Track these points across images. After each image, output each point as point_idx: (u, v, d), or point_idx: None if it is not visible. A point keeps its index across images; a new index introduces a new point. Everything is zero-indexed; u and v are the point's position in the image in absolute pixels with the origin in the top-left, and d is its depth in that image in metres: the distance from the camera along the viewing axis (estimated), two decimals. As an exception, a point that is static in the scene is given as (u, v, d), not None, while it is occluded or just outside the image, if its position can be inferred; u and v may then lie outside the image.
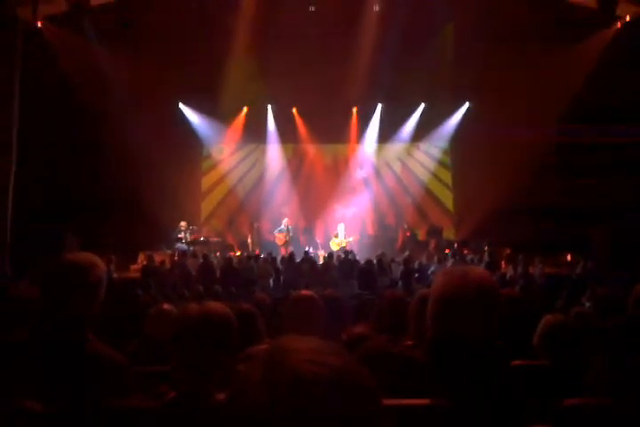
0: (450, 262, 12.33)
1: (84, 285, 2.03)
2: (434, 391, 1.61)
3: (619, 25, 14.12)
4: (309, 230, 16.90)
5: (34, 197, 13.58)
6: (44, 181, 14.13)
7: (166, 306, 3.94)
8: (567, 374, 2.48)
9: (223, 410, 0.85)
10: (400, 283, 11.46)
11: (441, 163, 18.24)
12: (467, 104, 17.02)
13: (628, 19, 13.95)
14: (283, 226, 15.71)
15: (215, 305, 1.86)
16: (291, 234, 15.72)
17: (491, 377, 1.61)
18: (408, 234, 16.51)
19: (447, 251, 14.26)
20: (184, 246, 14.26)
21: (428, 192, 18.07)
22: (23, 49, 12.62)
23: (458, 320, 1.63)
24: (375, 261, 12.40)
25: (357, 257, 13.30)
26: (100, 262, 2.13)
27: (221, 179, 17.97)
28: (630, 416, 1.73)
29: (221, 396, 1.69)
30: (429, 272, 12.03)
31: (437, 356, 1.68)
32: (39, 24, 13.34)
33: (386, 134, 17.66)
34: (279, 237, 15.70)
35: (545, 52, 14.08)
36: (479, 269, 1.78)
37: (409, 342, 3.24)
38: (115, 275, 11.51)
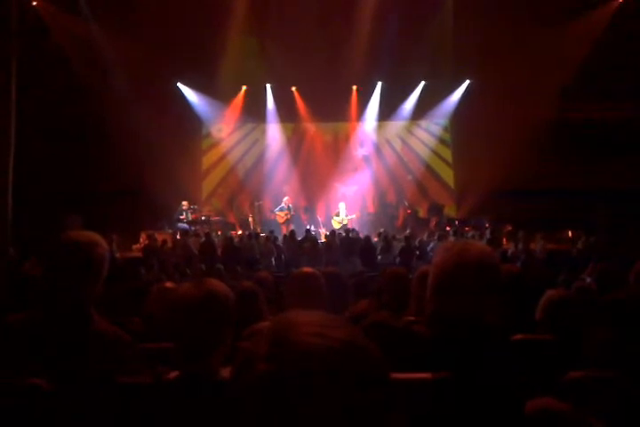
0: (451, 239, 12.36)
1: (86, 263, 2.03)
2: (435, 366, 1.61)
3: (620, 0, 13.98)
4: (310, 209, 16.92)
5: (35, 178, 13.56)
6: (44, 163, 14.07)
7: (169, 284, 3.95)
8: (570, 347, 2.49)
9: (229, 386, 0.84)
10: (399, 260, 11.51)
11: (441, 140, 18.19)
12: (467, 81, 16.90)
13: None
14: (283, 204, 15.74)
15: (212, 282, 1.85)
16: (292, 212, 15.75)
17: (491, 351, 1.61)
18: (409, 211, 16.52)
19: (448, 228, 14.27)
20: (185, 226, 14.27)
21: (429, 169, 18.04)
22: (18, 28, 12.48)
23: (458, 294, 1.63)
24: (380, 239, 12.47)
25: (359, 235, 13.32)
26: (102, 241, 2.13)
27: (222, 158, 17.95)
28: (633, 388, 1.74)
29: (226, 372, 1.70)
30: (429, 249, 12.06)
31: (438, 330, 1.68)
32: (34, 3, 13.18)
33: (386, 112, 17.59)
34: (280, 216, 15.73)
35: (547, 27, 13.91)
36: (479, 244, 1.77)
37: (410, 318, 3.26)
38: (117, 254, 11.55)
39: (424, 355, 1.65)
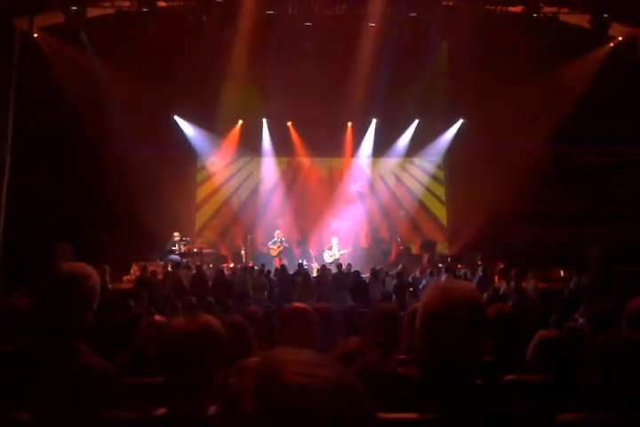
0: (443, 276, 12.33)
1: (78, 296, 2.02)
2: (423, 407, 1.60)
3: (611, 45, 14.31)
4: (303, 243, 16.91)
5: (27, 207, 13.51)
6: (37, 192, 14.05)
7: (158, 317, 3.91)
8: (561, 389, 2.48)
9: (215, 423, 0.84)
10: (394, 297, 11.44)
11: (435, 177, 18.33)
12: (460, 120, 17.14)
13: (620, 39, 14.18)
14: (275, 238, 15.76)
15: (205, 317, 1.84)
16: (285, 244, 15.74)
17: (479, 392, 1.60)
18: (402, 247, 16.55)
19: (441, 265, 14.26)
20: (177, 257, 14.21)
21: (422, 206, 18.12)
22: (19, 60, 12.63)
23: (443, 335, 1.62)
24: (369, 274, 12.46)
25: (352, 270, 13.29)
26: (94, 273, 2.12)
27: (216, 190, 17.99)
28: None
29: (214, 410, 1.67)
30: (421, 286, 12.02)
31: (427, 372, 1.67)
32: (35, 35, 13.37)
33: (380, 149, 17.78)
34: (273, 249, 15.73)
35: (539, 70, 14.21)
36: (463, 284, 1.78)
37: (402, 357, 3.24)
38: (109, 285, 11.45)
39: (413, 397, 1.63)
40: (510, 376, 2.63)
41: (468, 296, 1.65)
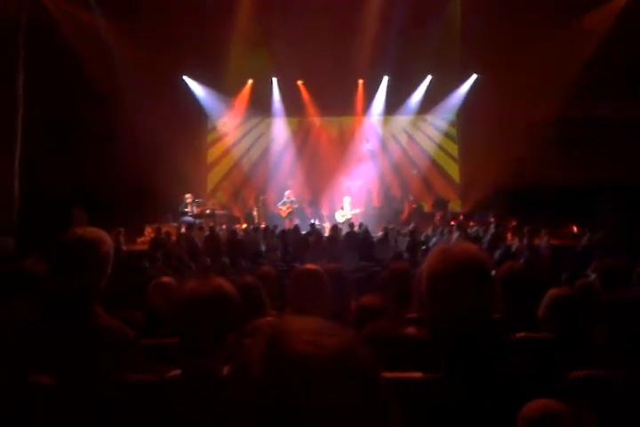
0: (455, 234, 12.34)
1: (91, 260, 2.05)
2: (431, 367, 1.62)
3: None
4: (315, 203, 16.92)
5: (41, 173, 13.57)
6: (50, 158, 14.08)
7: (165, 279, 3.95)
8: (572, 346, 2.50)
9: (226, 386, 0.86)
10: (406, 255, 11.49)
11: (447, 135, 18.14)
12: (474, 76, 16.82)
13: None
14: (285, 198, 15.77)
15: (218, 280, 1.85)
16: (295, 206, 15.77)
17: (487, 351, 1.61)
18: (414, 206, 16.51)
19: (453, 223, 14.25)
20: (190, 219, 14.29)
21: (435, 164, 18.00)
22: (28, 23, 12.49)
23: (447, 296, 1.63)
24: (382, 233, 12.48)
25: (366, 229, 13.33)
26: (107, 238, 2.14)
27: (227, 151, 17.98)
28: (635, 389, 1.74)
29: (227, 370, 1.71)
30: (431, 245, 12.03)
31: (434, 332, 1.69)
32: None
33: (392, 107, 17.54)
34: (282, 210, 15.79)
35: (553, 24, 13.84)
36: (464, 244, 1.77)
37: (414, 315, 3.27)
38: (124, 247, 11.58)
39: (422, 358, 1.65)
40: (520, 334, 2.65)
41: (470, 255, 1.65)
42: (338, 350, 0.78)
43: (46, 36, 13.27)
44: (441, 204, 16.39)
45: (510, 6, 13.62)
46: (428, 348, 1.67)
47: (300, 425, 0.74)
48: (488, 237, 12.06)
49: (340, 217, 15.56)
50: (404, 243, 12.17)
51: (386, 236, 12.35)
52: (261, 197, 16.86)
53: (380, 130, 18.12)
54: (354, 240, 12.28)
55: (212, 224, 13.77)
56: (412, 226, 13.24)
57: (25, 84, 12.47)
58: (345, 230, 13.06)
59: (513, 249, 11.11)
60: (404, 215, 16.63)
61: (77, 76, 13.82)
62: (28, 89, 12.58)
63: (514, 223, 13.83)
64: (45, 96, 13.70)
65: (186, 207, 14.51)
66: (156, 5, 13.51)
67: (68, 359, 1.87)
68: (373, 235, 12.99)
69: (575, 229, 13.80)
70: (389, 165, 17.86)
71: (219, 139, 18.10)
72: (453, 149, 18.09)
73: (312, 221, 14.52)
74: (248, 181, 17.75)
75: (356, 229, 13.04)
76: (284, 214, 15.78)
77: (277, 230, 12.96)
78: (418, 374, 1.62)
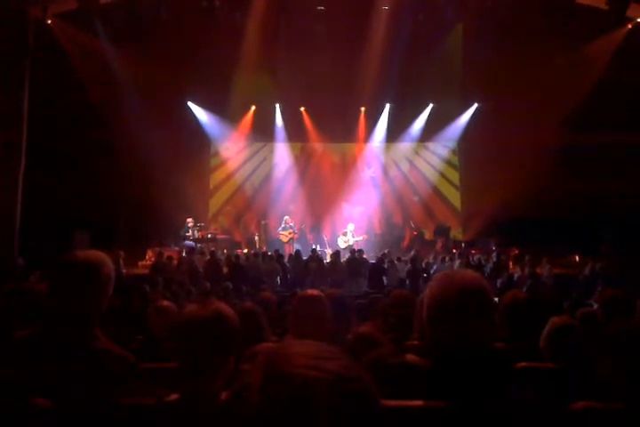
0: (456, 262, 12.32)
1: (92, 283, 2.04)
2: (433, 396, 1.60)
3: (629, 26, 14.01)
4: (317, 228, 16.92)
5: (44, 194, 13.61)
6: (54, 179, 14.15)
7: (165, 303, 3.94)
8: (574, 376, 2.47)
9: (224, 411, 0.85)
10: (408, 282, 11.45)
11: (449, 162, 18.24)
12: (475, 104, 16.98)
13: (638, 20, 13.86)
14: (284, 224, 15.78)
15: (218, 304, 1.85)
16: (295, 231, 15.76)
17: (487, 379, 1.60)
18: (415, 233, 16.49)
19: (454, 250, 14.22)
20: (191, 243, 14.28)
21: (436, 191, 18.06)
22: (33, 46, 12.65)
23: (448, 323, 1.62)
24: (375, 260, 12.50)
25: (365, 256, 13.28)
26: (108, 260, 2.14)
27: (229, 176, 18.05)
28: (637, 421, 1.72)
29: (225, 395, 1.69)
30: (432, 272, 12.00)
31: (437, 359, 1.67)
32: (49, 22, 13.37)
33: (394, 134, 17.69)
34: (284, 235, 15.77)
35: (555, 53, 13.99)
36: (466, 272, 1.76)
37: (415, 343, 3.25)
38: (123, 270, 11.55)
39: (423, 386, 1.64)
40: (522, 363, 2.62)
41: (471, 283, 1.64)
42: (337, 374, 0.78)
43: (52, 60, 13.44)
44: (442, 231, 16.38)
45: (511, 35, 13.79)
46: (429, 376, 1.66)
47: None
48: (490, 265, 12.04)
49: (343, 243, 15.53)
50: (404, 270, 12.14)
51: (392, 263, 12.34)
52: (263, 222, 16.87)
53: (381, 157, 18.22)
54: (356, 266, 12.27)
55: (213, 249, 13.76)
56: (412, 253, 13.21)
57: (29, 107, 12.58)
58: (346, 256, 13.05)
59: (515, 278, 11.08)
60: (406, 242, 16.61)
61: (82, 100, 13.95)
62: (32, 112, 12.68)
63: (515, 252, 13.81)
64: (50, 120, 13.82)
65: (187, 231, 14.52)
66: (162, 31, 13.69)
67: (66, 382, 1.86)
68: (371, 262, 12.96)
69: (577, 258, 13.76)
70: (391, 192, 17.92)
71: (221, 164, 18.19)
72: (455, 176, 18.17)
73: (313, 247, 14.50)
74: (250, 206, 17.78)
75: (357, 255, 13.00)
76: (284, 239, 15.77)
77: (277, 256, 12.94)
78: (419, 402, 1.60)
